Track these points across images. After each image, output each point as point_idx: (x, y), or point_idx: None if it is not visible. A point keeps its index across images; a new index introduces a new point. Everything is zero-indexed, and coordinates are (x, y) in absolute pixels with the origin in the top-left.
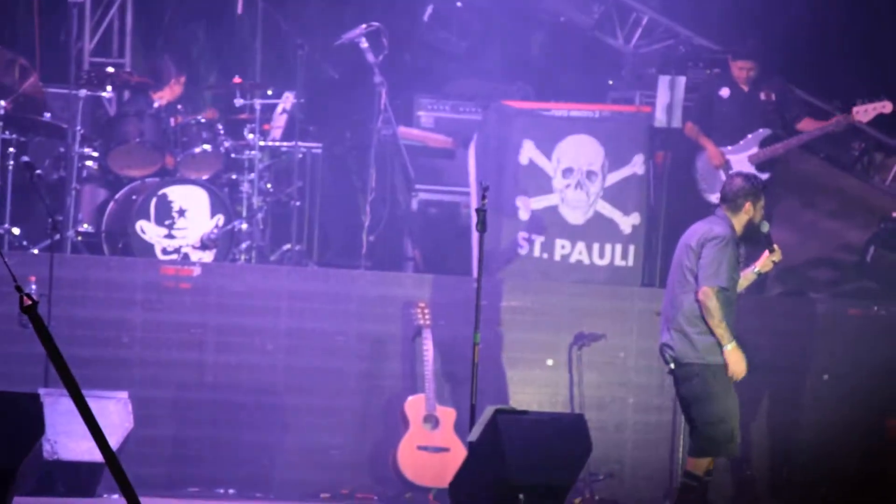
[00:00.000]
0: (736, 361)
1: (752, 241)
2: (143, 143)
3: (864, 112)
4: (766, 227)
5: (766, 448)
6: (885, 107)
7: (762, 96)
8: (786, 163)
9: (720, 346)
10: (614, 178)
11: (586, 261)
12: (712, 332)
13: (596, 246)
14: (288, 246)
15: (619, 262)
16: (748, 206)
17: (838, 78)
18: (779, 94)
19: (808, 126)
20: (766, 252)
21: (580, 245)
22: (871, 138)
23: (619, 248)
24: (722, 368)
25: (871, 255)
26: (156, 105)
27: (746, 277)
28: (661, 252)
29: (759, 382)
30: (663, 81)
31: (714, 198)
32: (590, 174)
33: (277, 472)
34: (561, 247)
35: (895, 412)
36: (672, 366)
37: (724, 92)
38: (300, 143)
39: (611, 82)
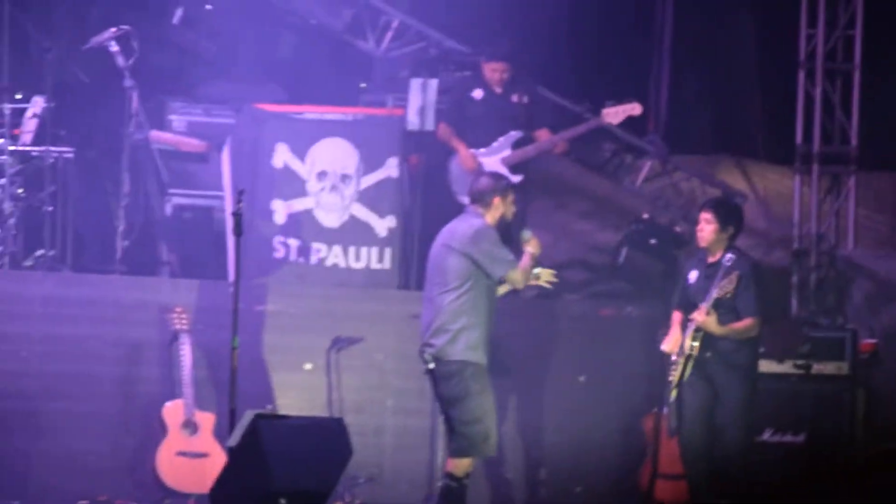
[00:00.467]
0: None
1: (505, 239)
2: None
3: (615, 114)
4: (527, 236)
5: (521, 450)
6: (635, 108)
7: (514, 98)
8: (538, 164)
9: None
10: (369, 181)
11: (342, 264)
12: (471, 330)
13: (352, 249)
14: (41, 251)
15: (375, 265)
16: (497, 201)
17: (589, 80)
18: (531, 96)
19: (544, 136)
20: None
21: (336, 248)
22: (621, 140)
23: (375, 251)
24: (481, 368)
25: (623, 256)
26: None
27: (531, 258)
28: (418, 254)
29: (514, 385)
30: (415, 84)
31: (467, 199)
32: (344, 177)
33: (33, 478)
34: (317, 250)
35: (649, 412)
36: (431, 365)
37: (477, 94)
38: (51, 148)
39: (363, 85)
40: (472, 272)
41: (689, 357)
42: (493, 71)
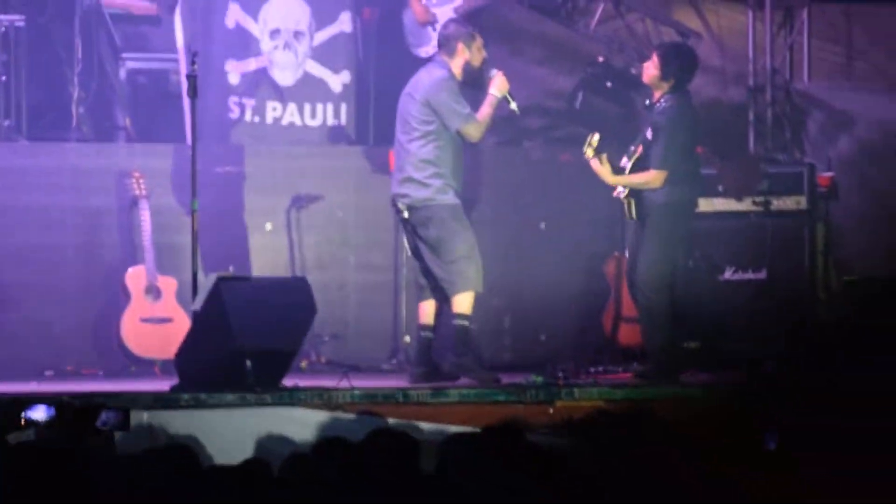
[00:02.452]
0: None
1: (474, 85)
2: None
3: None
4: (491, 74)
5: (484, 299)
6: None
7: None
8: (491, 11)
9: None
10: (322, 36)
11: (298, 122)
12: (439, 177)
13: (307, 106)
14: None
15: (331, 121)
16: (461, 47)
17: None
18: None
19: None
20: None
21: (291, 106)
22: None
23: (330, 107)
24: (457, 207)
25: (580, 101)
26: None
27: (491, 105)
28: (374, 109)
29: (475, 234)
30: None
31: (423, 52)
32: (297, 34)
33: None
34: (272, 109)
35: (611, 256)
36: (406, 214)
37: None
38: (1, 16)
39: None
40: (432, 118)
41: (625, 197)
42: None
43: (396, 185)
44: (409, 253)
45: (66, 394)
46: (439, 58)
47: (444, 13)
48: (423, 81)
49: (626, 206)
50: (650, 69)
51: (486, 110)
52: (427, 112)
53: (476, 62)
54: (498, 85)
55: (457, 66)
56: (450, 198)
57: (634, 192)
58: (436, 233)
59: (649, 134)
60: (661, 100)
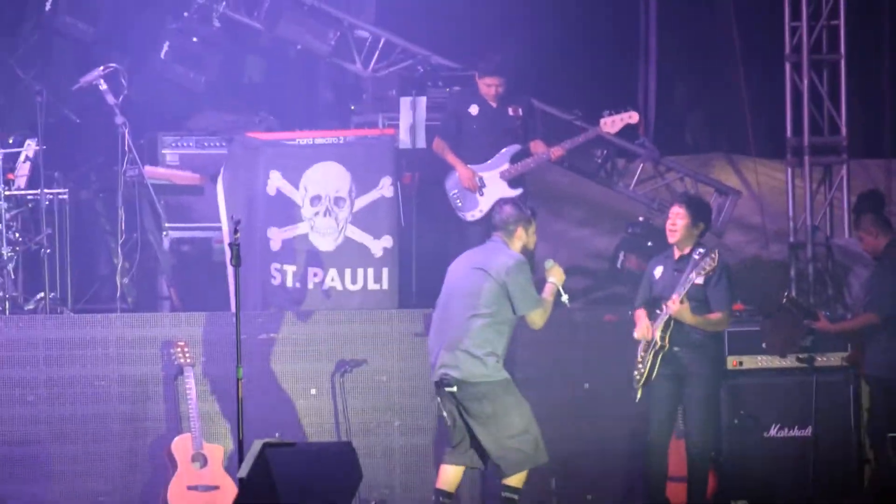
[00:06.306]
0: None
1: None
2: None
3: (612, 123)
4: (549, 265)
5: None
6: (632, 117)
7: (510, 112)
8: (532, 175)
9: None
10: (362, 202)
11: (339, 287)
12: (495, 356)
13: (348, 271)
14: (41, 294)
15: (372, 286)
16: (520, 231)
17: (579, 89)
18: (525, 108)
19: (538, 148)
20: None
21: (332, 272)
22: (612, 145)
23: (371, 272)
24: (509, 381)
25: (621, 261)
26: None
27: (551, 293)
28: (416, 273)
29: (523, 396)
30: (404, 103)
31: (469, 216)
32: (338, 200)
33: None
34: (313, 275)
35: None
36: (454, 388)
37: (473, 109)
38: (46, 191)
39: (353, 107)
40: (502, 300)
41: (658, 351)
42: (489, 86)
43: (442, 352)
44: (447, 421)
45: None
46: (497, 239)
47: (491, 178)
48: (497, 260)
49: (649, 360)
50: (678, 220)
51: (548, 299)
52: (500, 292)
53: (531, 245)
54: (556, 275)
55: (515, 247)
56: (503, 374)
57: (689, 346)
58: (491, 409)
59: (697, 279)
60: (696, 249)
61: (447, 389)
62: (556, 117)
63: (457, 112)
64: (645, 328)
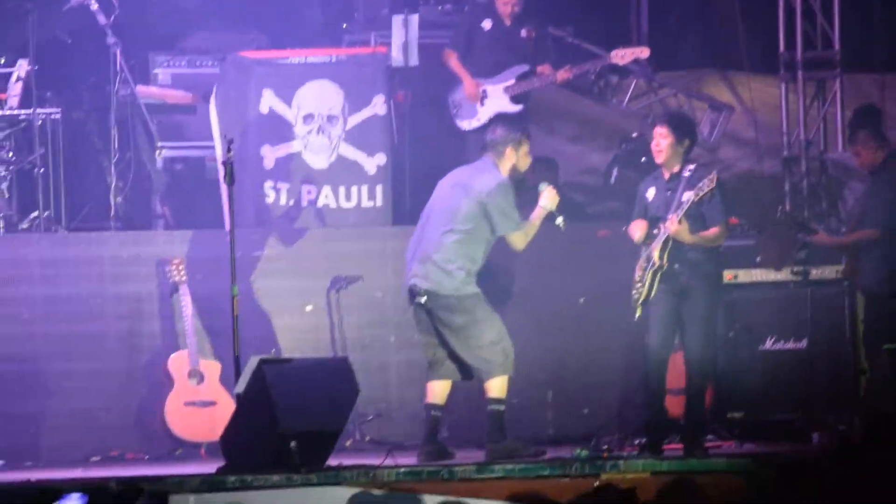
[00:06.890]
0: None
1: (517, 189)
2: None
3: (622, 56)
4: (542, 187)
5: (526, 374)
6: (643, 52)
7: (523, 33)
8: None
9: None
10: (355, 120)
11: (333, 204)
12: (465, 270)
13: (342, 189)
14: (36, 213)
15: (366, 203)
16: (510, 151)
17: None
18: (539, 31)
19: (546, 71)
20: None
21: (326, 189)
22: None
23: (365, 189)
24: (479, 295)
25: (615, 177)
26: None
27: (539, 217)
28: (410, 190)
29: (516, 310)
30: (397, 21)
31: (465, 124)
32: (331, 118)
33: (45, 439)
34: (307, 192)
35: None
36: (423, 299)
37: (486, 24)
38: (38, 110)
39: (345, 26)
40: (479, 219)
41: (656, 270)
42: (506, 4)
43: (416, 264)
44: (419, 334)
45: (111, 479)
46: (487, 159)
47: (494, 91)
48: (477, 180)
49: (648, 280)
50: (662, 140)
51: (534, 222)
52: (478, 212)
53: (522, 166)
54: (548, 199)
55: (504, 169)
56: (473, 288)
57: (687, 264)
58: (462, 320)
59: (685, 197)
60: (686, 167)
61: (417, 300)
62: (565, 42)
63: (470, 25)
64: (640, 229)
